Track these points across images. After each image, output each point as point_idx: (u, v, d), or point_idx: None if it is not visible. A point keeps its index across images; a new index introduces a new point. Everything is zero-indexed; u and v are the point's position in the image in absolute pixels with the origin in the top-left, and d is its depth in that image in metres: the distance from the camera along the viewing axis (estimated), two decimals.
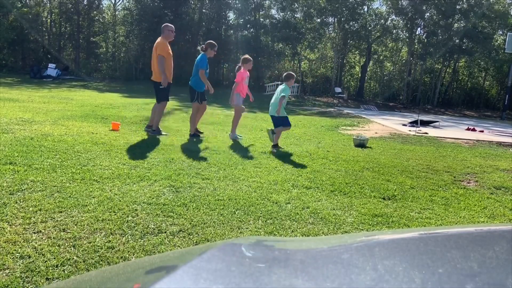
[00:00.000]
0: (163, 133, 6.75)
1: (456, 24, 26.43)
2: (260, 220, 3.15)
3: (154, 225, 2.88)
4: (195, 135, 6.81)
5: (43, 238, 2.53)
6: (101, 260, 2.33)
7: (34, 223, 2.73)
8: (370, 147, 7.14)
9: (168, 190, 3.67)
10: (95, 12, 29.68)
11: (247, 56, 7.22)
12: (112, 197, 3.36)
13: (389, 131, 10.32)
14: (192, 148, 5.76)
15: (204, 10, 28.47)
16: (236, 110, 7.31)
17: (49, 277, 2.11)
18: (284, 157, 5.70)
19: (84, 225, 2.77)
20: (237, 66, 7.20)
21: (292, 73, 6.68)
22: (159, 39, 6.53)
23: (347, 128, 10.53)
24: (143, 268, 0.80)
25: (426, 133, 9.97)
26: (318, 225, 3.16)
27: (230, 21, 29.42)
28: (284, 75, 6.68)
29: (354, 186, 4.37)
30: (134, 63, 27.57)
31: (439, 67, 28.66)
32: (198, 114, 6.96)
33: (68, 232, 2.64)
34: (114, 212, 3.05)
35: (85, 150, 4.95)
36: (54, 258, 2.28)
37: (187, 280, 0.63)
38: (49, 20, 29.52)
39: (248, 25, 28.16)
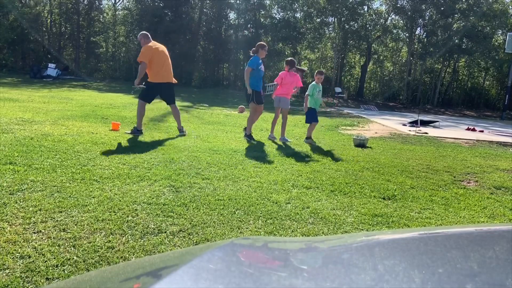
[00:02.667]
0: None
1: (455, 23, 26.43)
2: (260, 220, 3.15)
3: (154, 225, 2.88)
4: (250, 137, 6.91)
5: (43, 238, 2.53)
6: (101, 260, 2.33)
7: (34, 223, 2.73)
8: (370, 147, 7.14)
9: (168, 190, 3.67)
10: (95, 12, 29.68)
11: (290, 58, 7.51)
12: (112, 197, 3.36)
13: (389, 131, 10.31)
14: (192, 148, 5.76)
15: (204, 10, 28.47)
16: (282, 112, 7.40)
17: (49, 277, 2.11)
18: (284, 157, 5.70)
19: (84, 225, 2.77)
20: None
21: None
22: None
23: (347, 128, 10.53)
24: (143, 268, 0.80)
25: (426, 133, 9.96)
26: (318, 225, 3.16)
27: (231, 21, 29.43)
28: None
29: (354, 186, 4.37)
30: (134, 63, 27.54)
31: (439, 67, 28.65)
32: (255, 115, 7.01)
33: (68, 232, 2.64)
34: (114, 212, 3.05)
35: (85, 150, 4.95)
36: (54, 258, 2.28)
37: (187, 280, 0.63)
38: (49, 20, 29.51)
39: (249, 25, 28.15)
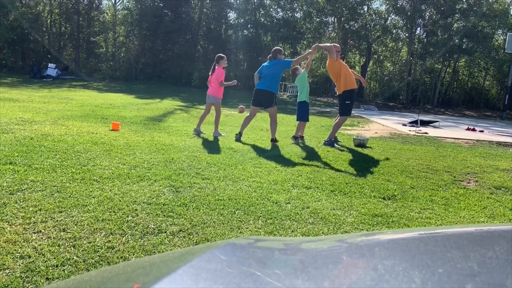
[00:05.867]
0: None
1: (455, 23, 26.44)
2: (260, 220, 3.15)
3: (154, 225, 2.88)
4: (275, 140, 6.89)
5: (43, 238, 2.53)
6: (101, 260, 2.33)
7: (34, 223, 2.73)
8: (370, 147, 7.14)
9: (168, 190, 3.67)
10: (95, 12, 29.69)
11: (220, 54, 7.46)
12: (112, 197, 3.36)
13: (389, 131, 10.31)
14: (192, 148, 5.76)
15: (204, 10, 28.47)
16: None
17: (49, 277, 2.11)
18: (284, 157, 5.70)
19: (84, 225, 2.77)
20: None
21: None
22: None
23: (347, 128, 10.52)
24: (143, 268, 0.80)
25: (426, 133, 9.96)
26: (318, 225, 3.16)
27: (231, 21, 29.43)
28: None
29: (354, 186, 4.37)
30: (134, 63, 27.57)
31: (439, 67, 28.66)
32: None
33: (68, 232, 2.64)
34: (114, 212, 3.05)
35: (85, 150, 4.95)
36: (54, 258, 2.28)
37: (187, 280, 0.63)
38: (49, 20, 29.51)
39: (249, 25, 28.15)
